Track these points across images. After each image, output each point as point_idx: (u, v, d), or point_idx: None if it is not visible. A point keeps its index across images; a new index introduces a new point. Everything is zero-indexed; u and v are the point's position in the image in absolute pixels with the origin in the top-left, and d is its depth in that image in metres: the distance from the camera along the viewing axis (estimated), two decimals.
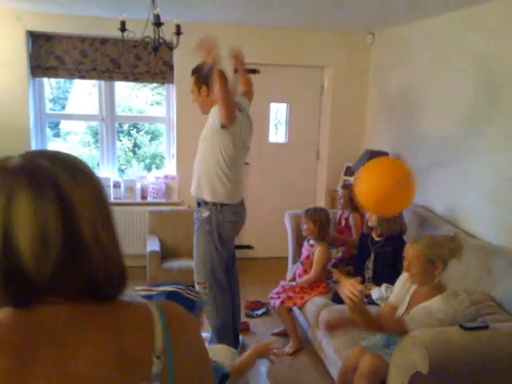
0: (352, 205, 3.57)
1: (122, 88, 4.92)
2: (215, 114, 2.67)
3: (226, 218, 2.81)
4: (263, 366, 2.98)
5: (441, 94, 3.51)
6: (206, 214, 2.81)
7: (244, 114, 2.85)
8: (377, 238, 3.07)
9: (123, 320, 0.73)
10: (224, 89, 2.54)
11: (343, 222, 3.70)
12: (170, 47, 3.14)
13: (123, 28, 2.96)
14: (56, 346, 0.66)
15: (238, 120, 2.71)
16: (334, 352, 2.64)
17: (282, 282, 3.35)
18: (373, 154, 4.02)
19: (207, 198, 2.80)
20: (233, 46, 2.91)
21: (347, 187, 3.71)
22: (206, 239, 2.83)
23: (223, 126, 2.65)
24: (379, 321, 2.15)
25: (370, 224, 3.09)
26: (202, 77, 2.70)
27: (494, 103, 2.98)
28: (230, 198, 2.82)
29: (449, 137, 3.39)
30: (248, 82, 3.13)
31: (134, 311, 0.75)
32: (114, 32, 3.19)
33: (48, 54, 4.19)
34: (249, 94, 3.12)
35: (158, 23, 2.83)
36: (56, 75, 4.29)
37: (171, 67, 4.41)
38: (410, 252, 2.20)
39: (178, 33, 3.00)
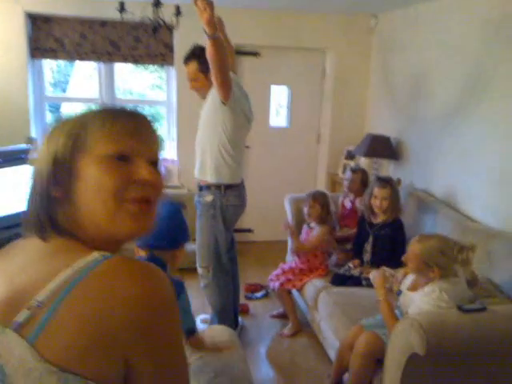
0: (362, 189, 3.49)
1: (123, 71, 4.89)
2: (214, 93, 2.64)
3: (230, 201, 2.81)
4: (262, 348, 3.02)
5: (443, 77, 3.49)
6: (209, 198, 2.80)
7: (237, 87, 2.75)
8: (375, 221, 3.07)
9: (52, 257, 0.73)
10: (220, 53, 2.42)
11: (349, 205, 3.62)
12: (170, 28, 3.11)
13: (122, 9, 2.93)
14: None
15: (236, 96, 2.65)
16: (332, 334, 2.66)
17: (282, 265, 3.36)
18: (374, 138, 4.00)
19: (211, 179, 2.78)
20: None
21: (358, 171, 3.63)
22: (210, 223, 2.82)
23: (223, 102, 2.61)
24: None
25: (375, 210, 3.06)
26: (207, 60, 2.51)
27: (495, 86, 2.95)
28: (234, 178, 2.81)
29: (450, 120, 3.38)
30: (231, 47, 2.96)
31: (74, 254, 0.71)
32: (113, 14, 3.17)
33: (47, 37, 4.15)
34: (232, 64, 2.94)
35: (157, 3, 2.80)
36: (55, 57, 4.26)
37: (171, 49, 4.37)
38: (411, 247, 2.16)
39: (178, 14, 2.97)
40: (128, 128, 0.77)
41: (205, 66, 2.61)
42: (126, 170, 0.76)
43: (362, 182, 3.55)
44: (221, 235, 2.84)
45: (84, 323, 0.63)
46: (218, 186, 2.79)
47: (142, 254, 1.63)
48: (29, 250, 0.76)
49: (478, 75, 3.09)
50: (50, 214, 0.76)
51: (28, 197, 0.78)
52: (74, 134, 0.76)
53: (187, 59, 2.76)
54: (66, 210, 0.75)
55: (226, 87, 2.56)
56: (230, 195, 2.81)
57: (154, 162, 0.81)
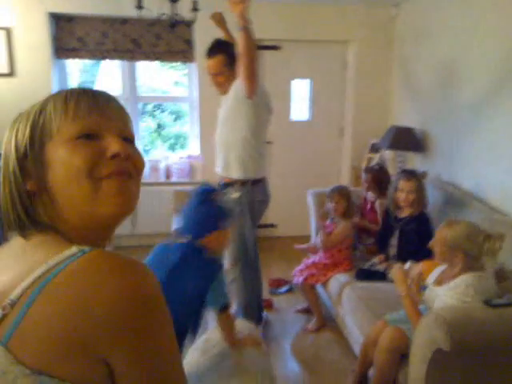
0: (379, 189, 3.41)
1: (146, 69, 4.93)
2: (237, 87, 2.62)
3: (256, 197, 2.81)
4: (287, 343, 3.02)
5: (472, 66, 3.38)
6: (236, 194, 2.79)
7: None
8: (400, 215, 3.02)
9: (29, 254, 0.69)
10: (253, 45, 2.40)
11: (368, 205, 3.56)
12: (188, 24, 3.11)
13: (139, 6, 2.94)
14: None
15: (260, 89, 2.63)
16: (356, 329, 2.63)
17: (306, 260, 3.34)
18: (398, 130, 3.93)
19: (236, 174, 2.77)
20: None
21: (371, 171, 3.55)
22: (238, 220, 2.81)
23: (248, 97, 2.58)
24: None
25: (401, 203, 2.99)
26: (233, 54, 2.51)
27: None
28: (259, 172, 2.80)
29: (479, 110, 3.28)
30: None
31: (49, 249, 0.68)
32: (130, 11, 3.18)
33: (70, 36, 4.22)
34: None
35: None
36: (79, 57, 4.33)
37: (191, 45, 4.38)
38: (438, 232, 2.14)
39: (195, 9, 2.96)
40: (92, 105, 0.73)
41: (231, 59, 2.59)
42: (96, 147, 0.72)
43: (377, 180, 3.46)
44: (248, 231, 2.84)
45: (58, 322, 0.59)
46: (243, 183, 2.78)
47: (182, 240, 1.66)
48: (9, 250, 0.73)
49: (507, 63, 2.99)
50: (29, 209, 0.72)
51: (2, 194, 0.74)
52: (36, 123, 0.73)
53: (212, 52, 2.69)
54: (44, 202, 0.72)
55: (255, 81, 2.53)
56: (255, 191, 2.81)
57: (127, 139, 0.77)
